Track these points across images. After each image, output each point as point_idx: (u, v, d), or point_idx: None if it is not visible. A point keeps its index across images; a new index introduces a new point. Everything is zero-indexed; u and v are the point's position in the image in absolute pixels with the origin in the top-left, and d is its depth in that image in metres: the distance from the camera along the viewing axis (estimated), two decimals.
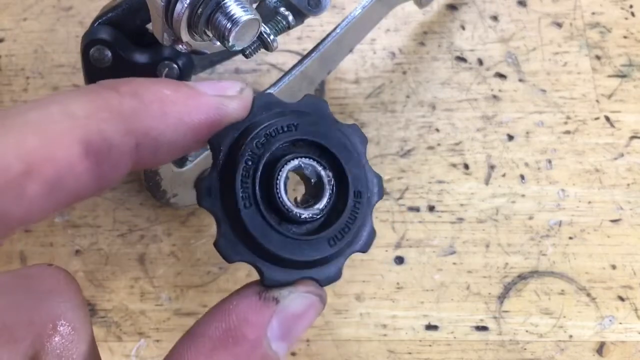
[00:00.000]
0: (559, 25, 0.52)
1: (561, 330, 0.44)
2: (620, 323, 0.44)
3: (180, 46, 0.34)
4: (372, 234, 0.26)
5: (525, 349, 0.44)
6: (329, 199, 0.25)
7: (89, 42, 0.40)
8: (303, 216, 0.24)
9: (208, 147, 0.25)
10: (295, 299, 0.24)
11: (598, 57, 0.51)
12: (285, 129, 0.25)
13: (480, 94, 0.50)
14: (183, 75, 0.42)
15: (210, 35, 0.33)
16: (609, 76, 0.51)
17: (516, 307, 0.45)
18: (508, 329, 0.44)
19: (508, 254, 0.46)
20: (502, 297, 0.45)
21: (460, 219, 0.47)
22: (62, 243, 0.46)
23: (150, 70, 0.41)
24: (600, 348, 0.44)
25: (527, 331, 0.44)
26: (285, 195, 0.24)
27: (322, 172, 0.25)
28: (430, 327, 0.44)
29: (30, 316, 0.23)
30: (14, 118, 0.21)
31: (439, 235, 0.46)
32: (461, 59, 0.51)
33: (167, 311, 0.45)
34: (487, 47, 0.52)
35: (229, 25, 0.32)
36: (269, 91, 0.26)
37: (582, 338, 0.44)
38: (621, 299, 0.45)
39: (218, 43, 0.33)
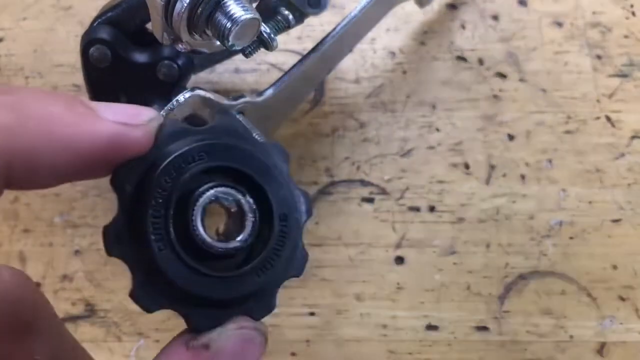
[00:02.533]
0: (560, 24, 0.52)
1: (562, 330, 0.44)
2: (621, 323, 0.44)
3: (180, 46, 0.34)
4: (304, 256, 0.24)
5: (526, 349, 0.43)
6: (253, 226, 0.23)
7: (89, 41, 0.40)
8: (225, 250, 0.22)
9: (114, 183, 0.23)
10: (228, 339, 0.22)
11: (599, 57, 0.51)
12: (196, 158, 0.22)
13: (481, 93, 0.50)
14: (183, 74, 0.42)
15: (210, 34, 0.33)
16: (610, 76, 0.51)
17: (517, 307, 0.44)
18: (509, 329, 0.44)
19: (509, 254, 0.46)
20: (502, 297, 0.45)
21: (461, 219, 0.47)
22: (61, 243, 0.46)
23: (150, 70, 0.41)
24: (601, 348, 0.43)
25: (527, 331, 0.44)
26: (204, 231, 0.22)
27: (242, 199, 0.23)
28: (430, 328, 0.44)
29: None
30: None
31: (439, 235, 0.46)
32: (461, 58, 0.51)
33: (167, 311, 0.44)
34: (488, 47, 0.52)
35: (228, 24, 0.32)
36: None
37: (582, 338, 0.44)
38: (622, 299, 0.45)
39: (218, 42, 0.33)
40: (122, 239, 0.22)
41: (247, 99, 0.39)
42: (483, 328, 0.44)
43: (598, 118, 0.49)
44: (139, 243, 0.22)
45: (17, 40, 0.52)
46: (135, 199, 0.22)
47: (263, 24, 0.34)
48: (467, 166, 0.48)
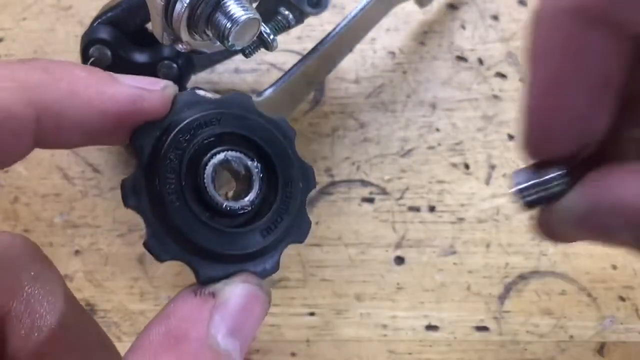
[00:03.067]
0: None
1: (562, 330, 0.44)
2: (621, 323, 0.44)
3: (180, 46, 0.34)
4: (308, 224, 0.26)
5: (525, 349, 0.43)
6: (259, 190, 0.25)
7: (89, 41, 0.40)
8: (233, 209, 0.24)
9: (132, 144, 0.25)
10: (233, 290, 0.23)
11: None
12: (209, 123, 0.24)
13: (481, 93, 0.50)
14: (183, 74, 0.42)
15: (210, 34, 0.33)
16: None
17: (517, 307, 0.44)
18: (509, 329, 0.44)
19: (509, 254, 0.46)
20: (502, 297, 0.45)
21: (461, 219, 0.47)
22: (61, 243, 0.46)
23: (150, 70, 0.41)
24: (601, 348, 0.43)
25: (527, 331, 0.44)
26: (214, 189, 0.24)
27: (250, 164, 0.25)
28: (430, 328, 0.44)
29: None
30: None
31: (439, 236, 0.46)
32: (462, 58, 0.51)
33: None
34: (488, 47, 0.52)
35: (228, 24, 0.32)
36: (196, 90, 0.26)
37: (582, 338, 0.44)
38: (622, 299, 0.45)
39: (218, 43, 0.33)
40: (138, 192, 0.23)
41: None
42: (483, 328, 0.44)
43: None
44: (154, 196, 0.23)
45: (17, 41, 0.52)
46: (152, 157, 0.24)
47: (263, 24, 0.34)
48: (467, 166, 0.48)
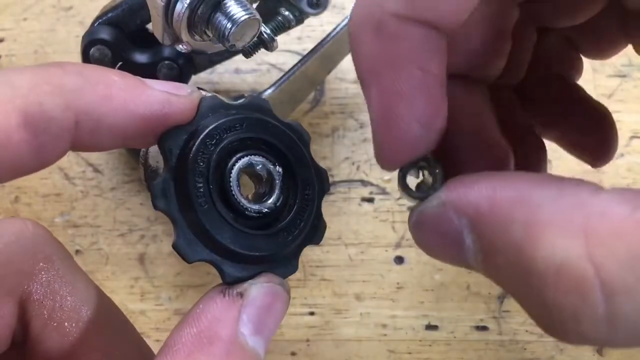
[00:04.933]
0: None
1: None
2: None
3: (181, 46, 0.34)
4: (324, 226, 0.27)
5: (525, 348, 0.44)
6: (280, 194, 0.26)
7: (89, 42, 0.40)
8: (257, 212, 0.25)
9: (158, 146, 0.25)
10: (259, 290, 0.24)
11: None
12: (233, 128, 0.25)
13: None
14: (183, 75, 0.42)
15: (210, 35, 0.33)
16: (609, 76, 0.51)
17: (516, 306, 0.44)
18: (508, 329, 0.44)
19: None
20: (502, 297, 0.45)
21: None
22: (62, 243, 0.46)
23: (150, 70, 0.41)
24: (600, 348, 0.43)
25: (527, 331, 0.44)
26: (239, 192, 0.25)
27: (272, 169, 0.26)
28: (430, 327, 0.44)
29: (15, 268, 0.25)
30: None
31: None
32: None
33: (167, 311, 0.45)
34: None
35: (228, 25, 0.32)
36: (214, 94, 0.26)
37: None
38: None
39: (218, 43, 0.34)
40: (167, 195, 0.24)
41: None
42: (482, 327, 0.44)
43: None
44: (182, 199, 0.24)
45: (17, 41, 0.52)
46: (179, 160, 0.24)
47: (263, 24, 0.34)
48: None
